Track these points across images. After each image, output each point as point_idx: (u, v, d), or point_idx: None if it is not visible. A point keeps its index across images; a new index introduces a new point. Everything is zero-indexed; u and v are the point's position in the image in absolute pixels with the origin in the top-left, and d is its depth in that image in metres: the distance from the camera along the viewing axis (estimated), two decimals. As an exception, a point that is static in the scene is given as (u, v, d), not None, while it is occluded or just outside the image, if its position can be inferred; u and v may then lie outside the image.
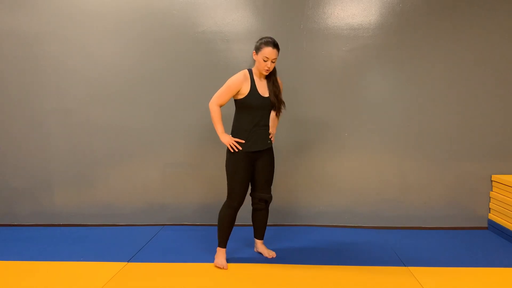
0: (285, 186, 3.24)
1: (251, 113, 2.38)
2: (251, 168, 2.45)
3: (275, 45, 2.32)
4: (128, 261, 2.54)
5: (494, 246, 2.79)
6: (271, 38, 2.34)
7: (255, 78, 2.40)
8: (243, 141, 2.35)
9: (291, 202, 3.26)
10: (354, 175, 3.20)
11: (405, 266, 2.45)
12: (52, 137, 3.26)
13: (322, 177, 3.21)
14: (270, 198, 2.56)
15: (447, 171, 3.15)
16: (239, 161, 2.38)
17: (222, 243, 2.48)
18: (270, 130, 2.52)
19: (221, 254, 2.48)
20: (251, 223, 2.68)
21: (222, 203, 2.53)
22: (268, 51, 2.29)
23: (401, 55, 3.08)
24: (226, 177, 2.44)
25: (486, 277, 2.30)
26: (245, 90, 2.35)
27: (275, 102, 2.42)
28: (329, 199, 3.24)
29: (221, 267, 2.41)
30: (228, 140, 2.35)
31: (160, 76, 3.17)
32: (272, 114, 2.52)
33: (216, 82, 3.11)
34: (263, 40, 2.33)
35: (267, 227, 3.17)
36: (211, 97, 2.40)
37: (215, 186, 3.19)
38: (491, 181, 3.15)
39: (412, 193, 3.19)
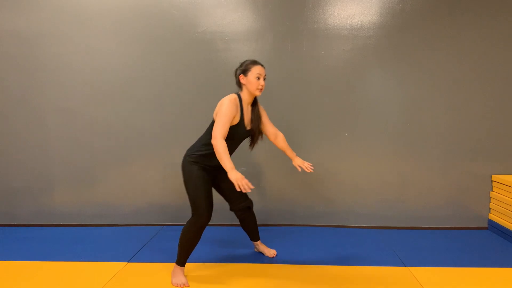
0: (285, 186, 3.24)
1: (227, 143, 2.14)
2: (212, 183, 2.34)
3: (261, 64, 2.27)
4: (128, 261, 2.54)
5: (494, 246, 2.79)
6: (253, 59, 2.30)
7: (244, 106, 2.27)
8: (253, 187, 2.02)
9: (291, 202, 3.26)
10: (354, 175, 3.20)
11: (405, 266, 2.45)
12: (53, 137, 3.26)
13: (322, 177, 3.21)
14: (251, 202, 2.50)
15: (447, 171, 3.15)
16: (200, 177, 2.22)
17: (183, 262, 2.25)
18: (290, 155, 2.49)
19: (179, 272, 2.25)
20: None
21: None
22: (259, 68, 2.22)
23: (401, 55, 3.08)
24: (188, 196, 2.25)
25: (486, 277, 2.30)
26: (235, 119, 2.19)
27: (255, 136, 2.36)
28: (329, 199, 3.24)
29: (181, 285, 2.18)
30: (237, 178, 1.96)
31: (160, 76, 3.17)
32: (280, 142, 2.49)
33: (216, 82, 3.14)
34: (248, 61, 2.26)
35: (266, 227, 3.18)
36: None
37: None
38: (491, 181, 3.15)
39: (412, 193, 3.19)
